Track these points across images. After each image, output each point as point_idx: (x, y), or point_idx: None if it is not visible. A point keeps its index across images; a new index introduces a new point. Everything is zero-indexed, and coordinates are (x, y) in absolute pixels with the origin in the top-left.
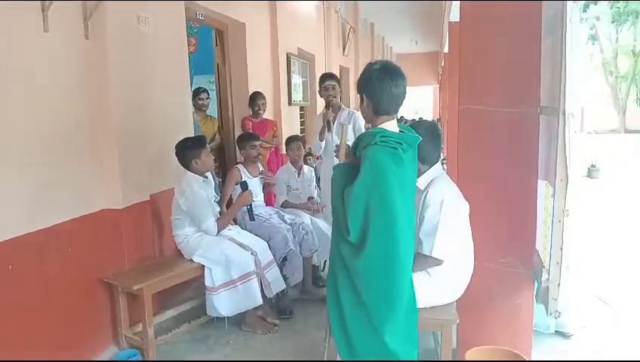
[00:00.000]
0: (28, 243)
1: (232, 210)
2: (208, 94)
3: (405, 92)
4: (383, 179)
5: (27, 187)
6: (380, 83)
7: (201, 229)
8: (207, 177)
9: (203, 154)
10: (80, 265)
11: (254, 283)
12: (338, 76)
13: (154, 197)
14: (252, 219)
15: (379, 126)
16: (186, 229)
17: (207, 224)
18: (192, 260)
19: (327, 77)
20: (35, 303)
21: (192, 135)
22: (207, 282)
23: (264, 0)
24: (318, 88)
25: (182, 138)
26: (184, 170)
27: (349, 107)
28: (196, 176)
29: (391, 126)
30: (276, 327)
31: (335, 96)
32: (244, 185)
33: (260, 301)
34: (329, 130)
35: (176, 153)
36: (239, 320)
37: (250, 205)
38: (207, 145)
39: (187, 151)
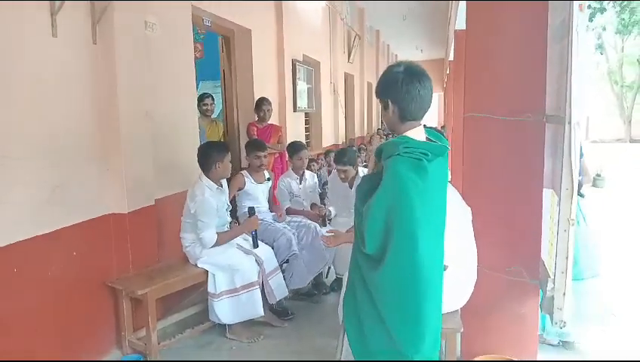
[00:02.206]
0: (33, 247)
1: (235, 231)
2: (213, 99)
3: (432, 94)
4: (404, 195)
5: (33, 191)
6: (407, 86)
7: (199, 237)
8: (221, 185)
9: (226, 158)
10: (84, 269)
11: (257, 293)
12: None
13: (159, 201)
14: (256, 246)
15: (403, 134)
16: (194, 233)
17: (206, 233)
18: (196, 265)
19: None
20: (39, 306)
21: (198, 140)
22: (210, 288)
23: (270, 0)
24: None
25: (186, 143)
26: (199, 175)
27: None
28: (210, 183)
29: (417, 133)
30: (262, 336)
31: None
32: (252, 211)
33: (261, 312)
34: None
35: (198, 155)
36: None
37: (256, 231)
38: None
39: (212, 153)
